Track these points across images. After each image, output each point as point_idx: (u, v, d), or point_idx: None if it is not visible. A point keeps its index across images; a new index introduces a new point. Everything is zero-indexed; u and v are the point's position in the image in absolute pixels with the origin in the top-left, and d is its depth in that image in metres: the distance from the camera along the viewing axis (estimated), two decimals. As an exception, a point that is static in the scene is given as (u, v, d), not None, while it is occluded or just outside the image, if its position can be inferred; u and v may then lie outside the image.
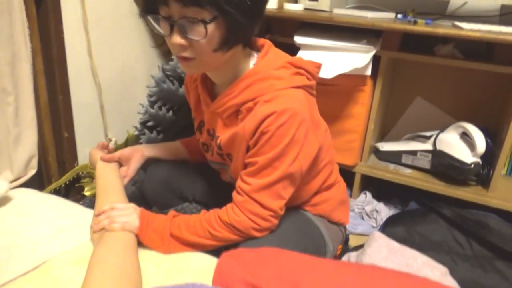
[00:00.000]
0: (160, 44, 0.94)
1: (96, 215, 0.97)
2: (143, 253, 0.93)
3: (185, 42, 0.80)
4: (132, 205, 0.98)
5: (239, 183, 0.91)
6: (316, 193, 1.05)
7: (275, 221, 0.91)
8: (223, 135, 0.95)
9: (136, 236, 0.94)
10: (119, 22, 1.59)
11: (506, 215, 1.36)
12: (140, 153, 1.15)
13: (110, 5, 1.54)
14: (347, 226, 1.45)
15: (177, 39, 0.79)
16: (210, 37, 0.79)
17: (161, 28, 0.83)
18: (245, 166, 0.92)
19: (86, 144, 1.55)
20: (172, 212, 0.97)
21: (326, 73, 1.28)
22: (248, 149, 0.91)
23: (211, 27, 0.77)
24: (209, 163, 1.13)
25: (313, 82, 0.95)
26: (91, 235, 0.98)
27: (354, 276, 0.67)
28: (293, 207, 1.04)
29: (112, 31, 1.57)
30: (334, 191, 1.09)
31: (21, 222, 1.05)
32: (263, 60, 0.90)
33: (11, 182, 1.24)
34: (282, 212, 0.92)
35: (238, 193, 0.91)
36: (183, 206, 1.22)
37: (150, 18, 0.83)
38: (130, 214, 0.95)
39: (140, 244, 0.94)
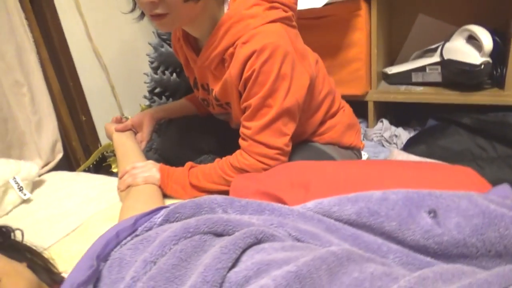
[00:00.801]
0: (132, 9, 0.95)
1: (120, 177, 1.04)
2: (169, 202, 0.99)
3: None
4: (151, 161, 1.04)
5: (241, 129, 0.94)
6: (321, 123, 1.06)
7: (284, 158, 0.93)
8: (216, 86, 0.97)
9: (160, 188, 1.00)
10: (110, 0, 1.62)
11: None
12: (149, 116, 1.19)
13: (98, -15, 1.58)
14: (368, 155, 1.46)
15: None
16: None
17: None
18: (243, 111, 0.93)
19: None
20: (188, 164, 1.02)
21: (317, 2, 1.27)
22: (240, 94, 0.92)
23: None
24: (215, 116, 1.16)
25: (291, 13, 0.93)
26: (119, 195, 1.05)
27: (361, 169, 0.69)
28: (301, 141, 1.05)
29: (106, 10, 1.61)
30: (339, 117, 1.09)
31: (56, 197, 1.13)
32: (235, 3, 0.89)
33: (42, 167, 1.33)
34: (288, 149, 0.93)
35: (242, 138, 0.94)
36: (202, 159, 1.27)
37: None
38: (150, 169, 1.01)
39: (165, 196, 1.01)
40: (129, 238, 0.57)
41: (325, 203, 0.60)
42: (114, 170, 1.59)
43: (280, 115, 0.89)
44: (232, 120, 1.13)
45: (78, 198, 1.11)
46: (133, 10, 0.94)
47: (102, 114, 1.61)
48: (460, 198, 0.53)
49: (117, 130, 1.20)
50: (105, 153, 1.61)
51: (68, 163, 1.51)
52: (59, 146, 1.39)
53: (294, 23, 0.96)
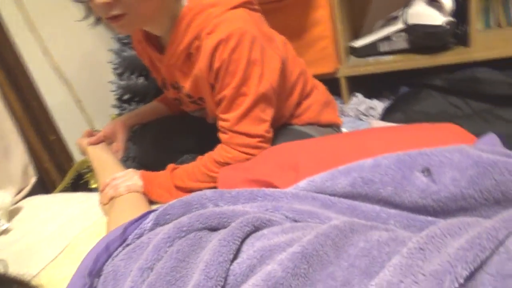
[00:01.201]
0: (86, 16, 0.90)
1: (101, 191, 1.00)
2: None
3: None
4: (131, 169, 1.00)
5: (219, 122, 0.91)
6: (297, 104, 1.04)
7: (267, 145, 0.91)
8: (186, 83, 0.94)
9: (144, 195, 0.96)
10: (63, 11, 1.56)
11: (491, 64, 1.35)
12: (121, 123, 1.15)
13: (47, -1, 1.51)
14: (347, 130, 1.46)
15: None
16: None
17: None
18: (218, 104, 0.91)
19: (77, 141, 1.56)
20: (170, 166, 0.99)
21: (275, -15, 1.25)
22: (212, 87, 0.89)
23: None
24: (190, 114, 1.13)
25: None
26: (102, 209, 1.01)
27: (346, 141, 0.68)
28: (280, 126, 1.04)
29: (60, 23, 1.55)
30: (314, 96, 1.08)
31: (37, 222, 1.08)
32: None
33: (16, 195, 1.27)
34: (270, 135, 0.91)
35: (222, 132, 0.91)
36: (183, 159, 1.24)
37: None
38: (131, 177, 0.97)
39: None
40: (120, 248, 0.54)
41: (317, 180, 0.59)
42: (93, 186, 1.54)
43: (257, 102, 0.86)
44: (208, 115, 1.10)
45: (60, 219, 1.06)
46: (87, 16, 0.89)
47: (72, 131, 1.55)
48: (451, 152, 0.52)
49: (90, 144, 1.16)
50: (80, 170, 1.55)
51: (43, 187, 1.45)
52: (31, 170, 1.33)
53: (256, 6, 0.93)
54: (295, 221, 0.54)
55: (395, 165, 0.54)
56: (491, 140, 0.58)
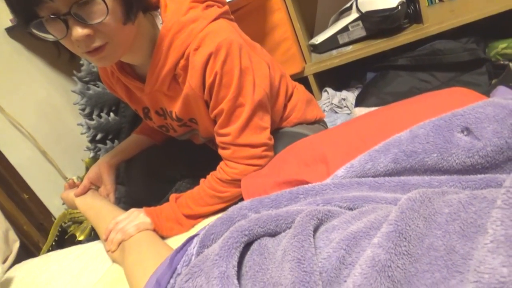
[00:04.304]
0: (57, 55, 0.84)
1: (105, 239, 0.93)
2: (170, 242, 0.90)
3: (89, 31, 0.69)
4: (133, 209, 0.95)
5: (218, 138, 0.88)
6: (284, 107, 1.04)
7: (271, 153, 0.89)
8: (175, 107, 0.90)
9: (154, 231, 0.91)
10: (8, 64, 1.46)
11: (444, 36, 1.42)
12: (105, 165, 1.08)
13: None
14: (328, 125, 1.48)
15: (78, 31, 0.68)
16: (113, 10, 0.69)
17: (53, 32, 0.70)
18: (214, 120, 0.88)
19: (52, 195, 1.45)
20: (173, 196, 0.95)
21: (232, -4, 1.25)
22: (206, 103, 0.87)
23: None
24: (176, 139, 1.09)
25: (226, 7, 0.90)
26: (111, 257, 0.93)
27: (365, 123, 0.68)
28: (272, 131, 1.03)
29: (7, 75, 1.44)
30: (296, 96, 1.08)
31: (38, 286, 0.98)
32: (167, 14, 0.83)
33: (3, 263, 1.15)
34: (272, 142, 0.89)
35: (223, 148, 0.88)
36: (176, 187, 1.18)
37: (33, 29, 0.69)
38: (137, 216, 0.92)
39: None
40: (172, 280, 0.50)
41: (356, 164, 0.57)
42: (81, 238, 1.43)
43: (255, 111, 0.85)
44: (197, 137, 1.07)
45: (62, 279, 0.97)
46: (59, 55, 0.83)
47: (44, 185, 1.44)
48: (483, 107, 0.53)
49: (77, 195, 1.09)
50: (63, 224, 1.44)
51: (26, 251, 1.33)
52: (12, 234, 1.21)
53: (231, 16, 0.92)
54: (350, 209, 0.52)
55: (433, 131, 0.54)
56: (506, 91, 0.60)
